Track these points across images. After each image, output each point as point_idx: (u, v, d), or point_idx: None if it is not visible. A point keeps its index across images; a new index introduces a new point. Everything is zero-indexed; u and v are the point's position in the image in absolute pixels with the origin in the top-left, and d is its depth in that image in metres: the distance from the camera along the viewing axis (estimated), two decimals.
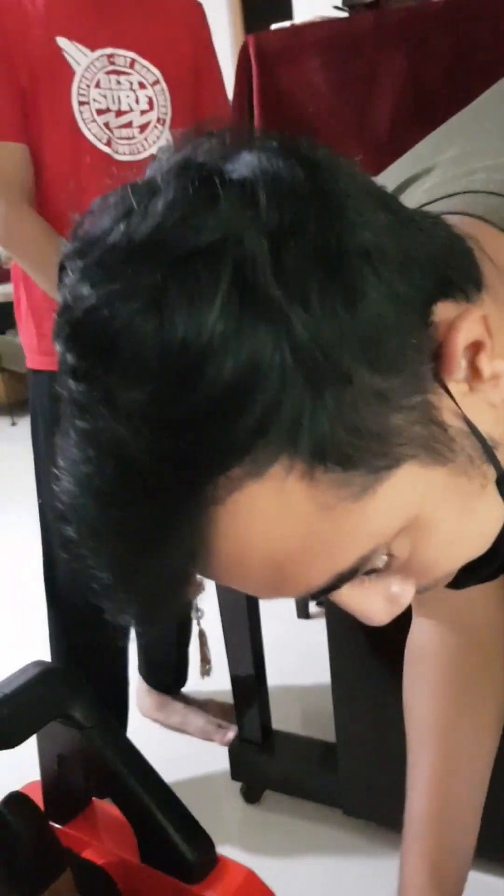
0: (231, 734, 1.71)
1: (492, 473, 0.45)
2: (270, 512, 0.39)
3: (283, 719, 1.65)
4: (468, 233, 0.48)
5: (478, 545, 0.49)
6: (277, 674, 1.67)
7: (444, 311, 0.42)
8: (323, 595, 0.45)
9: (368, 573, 0.46)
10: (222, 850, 0.67)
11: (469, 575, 0.52)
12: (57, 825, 0.73)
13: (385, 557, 0.45)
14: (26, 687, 0.66)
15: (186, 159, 0.40)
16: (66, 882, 0.66)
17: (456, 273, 0.44)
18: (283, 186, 0.38)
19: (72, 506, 0.40)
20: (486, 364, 0.43)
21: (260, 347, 0.35)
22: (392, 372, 0.39)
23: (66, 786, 0.73)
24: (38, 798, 0.72)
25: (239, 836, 1.53)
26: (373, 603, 0.47)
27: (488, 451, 0.44)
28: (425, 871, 0.75)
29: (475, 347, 0.42)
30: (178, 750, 1.75)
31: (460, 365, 0.42)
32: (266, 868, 0.70)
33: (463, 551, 0.49)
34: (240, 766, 1.59)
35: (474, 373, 0.43)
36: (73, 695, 0.68)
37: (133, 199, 0.39)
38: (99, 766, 0.68)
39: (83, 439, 0.39)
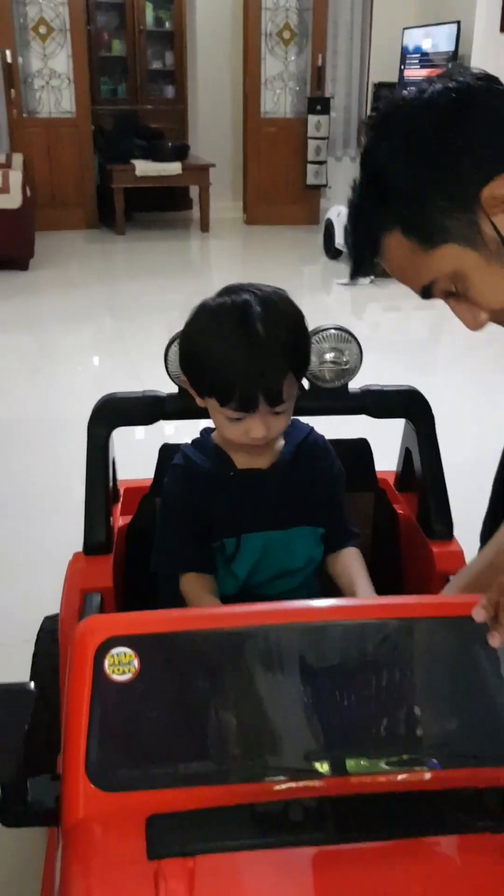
0: None
1: None
2: (395, 246, 0.92)
3: None
4: None
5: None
6: None
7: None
8: (428, 296, 0.94)
9: (454, 295, 0.93)
10: None
11: None
12: None
13: (453, 288, 0.92)
14: None
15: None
16: None
17: None
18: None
19: None
20: None
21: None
22: (457, 202, 0.87)
23: None
24: None
25: None
26: (463, 312, 0.95)
27: None
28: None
29: None
30: None
31: (500, 207, 0.86)
32: None
33: (494, 298, 0.91)
34: None
35: None
36: None
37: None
38: None
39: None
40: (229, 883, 0.81)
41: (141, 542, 1.44)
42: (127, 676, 0.90)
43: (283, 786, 0.89)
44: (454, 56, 5.89)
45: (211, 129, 7.95)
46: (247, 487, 1.23)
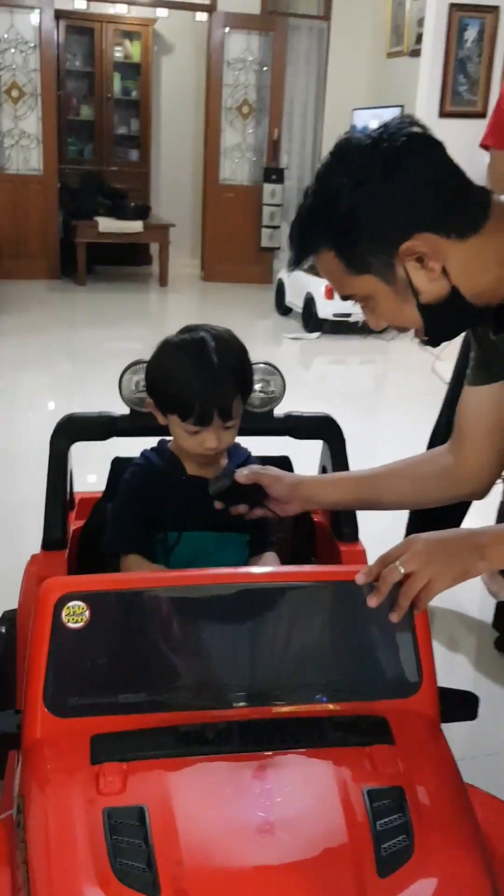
0: None
1: (413, 300, 1.13)
2: (327, 260, 1.14)
3: None
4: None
5: (408, 322, 1.17)
6: None
7: (425, 236, 1.08)
8: (345, 300, 1.19)
9: (366, 305, 1.17)
10: None
11: (433, 333, 1.19)
12: None
13: (365, 302, 1.17)
14: None
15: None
16: None
17: (455, 224, 1.09)
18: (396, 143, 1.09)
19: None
20: (426, 261, 1.09)
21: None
22: (382, 247, 1.09)
23: None
24: None
25: None
26: (369, 317, 1.20)
27: (413, 291, 1.12)
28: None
29: (423, 254, 1.09)
30: None
31: (412, 258, 1.09)
32: None
33: (400, 321, 1.18)
34: None
35: (423, 262, 1.09)
36: None
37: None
38: None
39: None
40: (155, 781, 1.03)
41: (91, 542, 1.67)
42: (80, 624, 1.13)
43: (201, 714, 1.12)
44: None
45: (172, 191, 8.37)
46: (193, 491, 1.46)
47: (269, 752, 1.07)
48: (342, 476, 1.54)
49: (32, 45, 6.91)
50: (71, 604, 1.13)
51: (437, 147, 1.11)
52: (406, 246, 1.08)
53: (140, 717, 1.11)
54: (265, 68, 7.34)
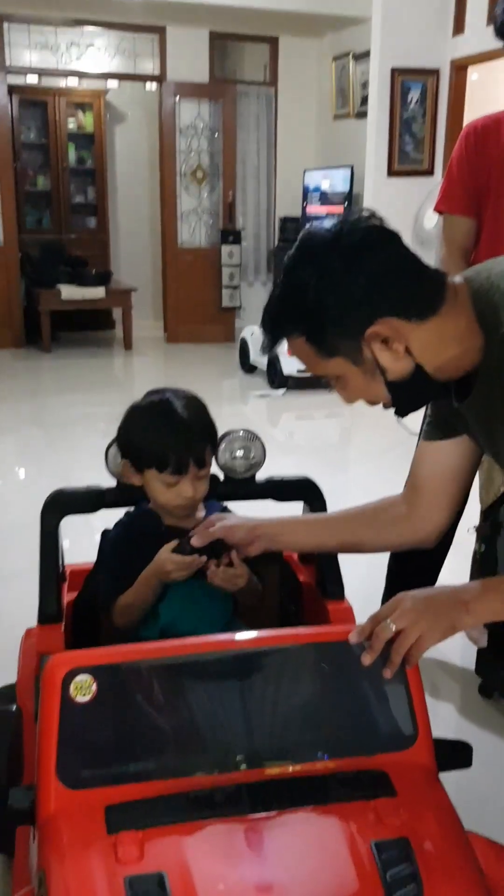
0: None
1: (380, 378, 1.21)
2: (298, 345, 1.23)
3: None
4: (460, 290, 1.24)
5: (378, 397, 1.26)
6: None
7: (387, 321, 1.17)
8: (318, 378, 1.29)
9: (341, 384, 1.25)
10: None
11: (401, 406, 1.29)
12: None
13: (336, 381, 1.26)
14: None
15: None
16: None
17: (414, 309, 1.18)
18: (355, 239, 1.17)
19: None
20: (390, 342, 1.18)
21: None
22: (348, 332, 1.17)
23: None
24: None
25: None
26: (342, 393, 1.27)
27: (381, 369, 1.20)
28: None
29: (387, 336, 1.18)
30: None
31: (377, 341, 1.18)
32: None
33: (370, 396, 1.26)
34: None
35: (388, 343, 1.18)
36: None
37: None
38: None
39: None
40: (171, 847, 1.06)
41: (85, 613, 1.71)
42: (87, 698, 1.17)
43: (210, 778, 1.16)
44: (349, 195, 6.59)
45: (131, 256, 8.53)
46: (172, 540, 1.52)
47: (277, 812, 1.11)
48: (301, 518, 1.65)
49: None
50: (78, 678, 1.17)
51: (393, 238, 1.19)
52: (371, 331, 1.17)
53: (151, 784, 1.15)
54: (216, 134, 7.57)
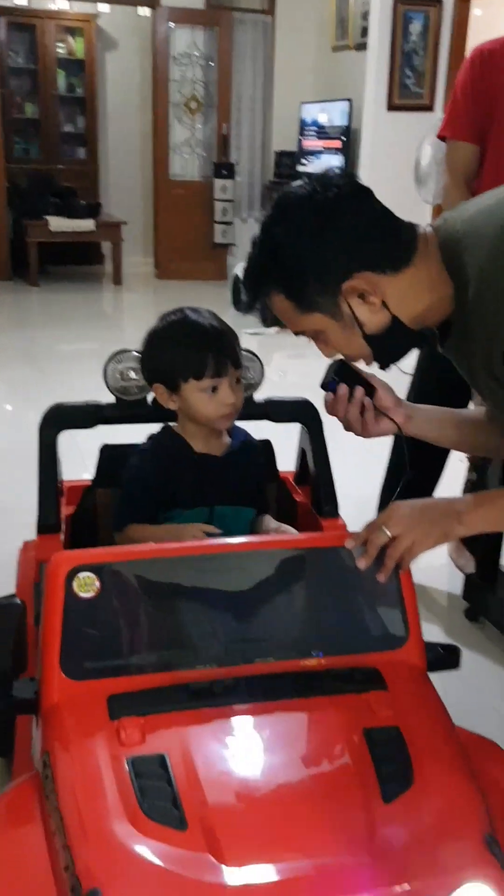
0: None
1: (359, 332, 1.22)
2: (278, 302, 1.24)
3: None
4: (430, 239, 1.24)
5: (358, 352, 1.27)
6: None
7: (363, 275, 1.19)
8: (298, 335, 1.29)
9: (317, 339, 1.27)
10: None
11: (382, 358, 1.30)
12: None
13: (316, 336, 1.26)
14: None
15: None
16: None
17: (388, 262, 1.20)
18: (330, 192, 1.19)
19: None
20: (367, 296, 1.20)
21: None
22: (326, 288, 1.19)
23: None
24: None
25: None
26: (321, 348, 1.29)
27: (358, 323, 1.22)
28: None
29: (364, 291, 1.20)
30: None
31: (354, 296, 1.20)
32: None
33: (349, 351, 1.28)
34: None
35: (364, 297, 1.20)
36: None
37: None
38: None
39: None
40: (172, 732, 1.11)
41: (83, 528, 1.74)
42: (90, 594, 1.20)
43: (209, 672, 1.20)
44: (347, 130, 6.47)
45: (122, 189, 8.37)
46: (205, 467, 1.54)
47: (274, 702, 1.16)
48: (436, 410, 1.51)
49: None
50: (81, 575, 1.20)
51: (366, 193, 1.22)
52: (347, 285, 1.19)
53: (152, 676, 1.19)
54: (211, 63, 7.39)
